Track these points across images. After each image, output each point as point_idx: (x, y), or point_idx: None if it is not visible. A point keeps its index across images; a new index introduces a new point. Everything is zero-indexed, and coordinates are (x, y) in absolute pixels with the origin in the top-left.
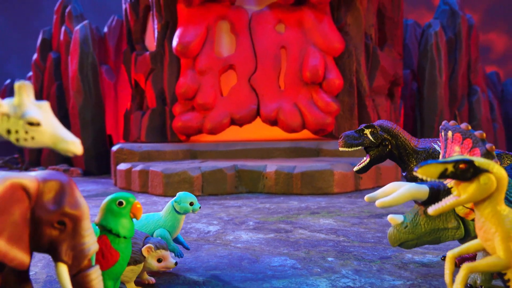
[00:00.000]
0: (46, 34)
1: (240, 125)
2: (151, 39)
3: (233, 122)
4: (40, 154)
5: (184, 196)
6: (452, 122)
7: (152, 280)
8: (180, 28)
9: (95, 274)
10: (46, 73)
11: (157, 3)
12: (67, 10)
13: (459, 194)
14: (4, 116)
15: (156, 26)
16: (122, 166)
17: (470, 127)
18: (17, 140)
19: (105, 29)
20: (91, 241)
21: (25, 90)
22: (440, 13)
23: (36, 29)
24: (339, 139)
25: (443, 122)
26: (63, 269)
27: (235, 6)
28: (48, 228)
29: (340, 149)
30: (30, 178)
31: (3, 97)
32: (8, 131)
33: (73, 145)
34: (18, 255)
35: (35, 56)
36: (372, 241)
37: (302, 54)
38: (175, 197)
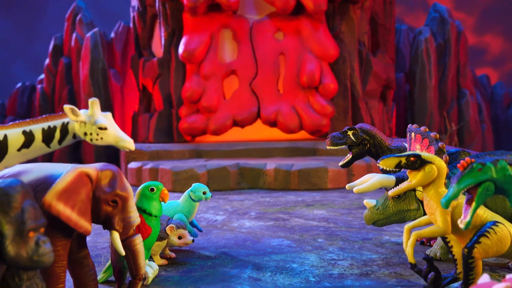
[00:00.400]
0: (57, 40)
1: (242, 126)
2: (158, 46)
3: (235, 123)
4: (52, 155)
5: (199, 187)
6: (414, 126)
7: (173, 255)
8: (185, 36)
9: (138, 240)
10: (58, 77)
11: (164, 12)
12: (78, 17)
13: (411, 180)
14: (82, 123)
15: (163, 34)
16: (133, 165)
17: (427, 129)
18: (91, 140)
19: (112, 34)
20: (135, 216)
21: (96, 104)
22: (430, 20)
23: (40, 32)
24: (326, 139)
25: (408, 126)
26: (116, 235)
27: (237, 15)
28: (105, 205)
29: (327, 147)
30: (92, 168)
31: (15, 99)
32: (85, 134)
33: (130, 143)
34: (84, 224)
35: (47, 61)
36: (357, 227)
37: (300, 60)
38: (190, 188)
